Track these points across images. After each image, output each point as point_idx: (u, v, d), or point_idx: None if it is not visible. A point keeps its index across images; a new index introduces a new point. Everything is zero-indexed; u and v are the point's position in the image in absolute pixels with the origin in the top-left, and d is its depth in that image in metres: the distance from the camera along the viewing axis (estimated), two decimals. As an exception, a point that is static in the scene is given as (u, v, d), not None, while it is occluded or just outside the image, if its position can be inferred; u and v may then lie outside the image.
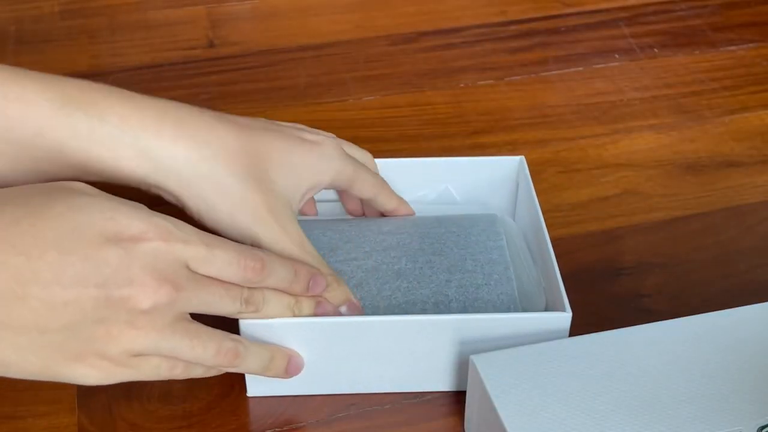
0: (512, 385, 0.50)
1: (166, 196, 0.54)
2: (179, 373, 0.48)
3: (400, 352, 0.55)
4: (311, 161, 0.57)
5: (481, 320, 0.53)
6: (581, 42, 0.90)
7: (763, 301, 0.55)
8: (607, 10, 0.94)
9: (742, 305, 0.55)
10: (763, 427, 0.48)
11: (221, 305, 0.48)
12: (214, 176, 0.53)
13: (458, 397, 0.57)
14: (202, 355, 0.48)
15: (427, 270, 0.57)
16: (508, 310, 0.56)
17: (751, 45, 0.89)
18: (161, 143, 0.52)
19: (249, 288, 0.49)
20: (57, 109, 0.51)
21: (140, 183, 0.53)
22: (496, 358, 0.51)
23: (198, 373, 0.50)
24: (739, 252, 0.68)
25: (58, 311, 0.43)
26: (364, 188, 0.61)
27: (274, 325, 0.52)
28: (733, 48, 0.89)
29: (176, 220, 0.47)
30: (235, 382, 0.56)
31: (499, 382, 0.50)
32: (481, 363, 0.51)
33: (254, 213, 0.53)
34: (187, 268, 0.46)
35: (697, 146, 0.77)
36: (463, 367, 0.55)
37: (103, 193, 0.46)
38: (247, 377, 0.55)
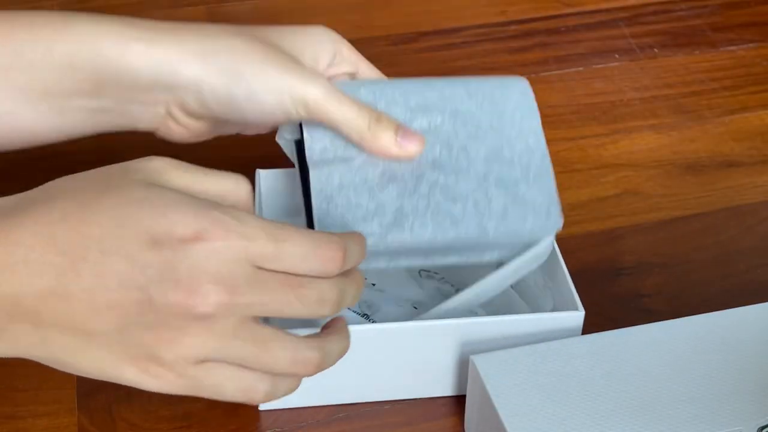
0: (512, 385, 0.50)
1: (184, 95, 0.53)
2: (252, 396, 0.43)
3: (408, 359, 0.54)
4: (315, 36, 0.58)
5: (492, 322, 0.53)
6: (581, 42, 0.89)
7: (764, 301, 0.55)
8: (607, 10, 0.94)
9: (743, 305, 0.55)
10: (763, 428, 0.48)
11: (292, 310, 0.42)
12: (232, 47, 0.53)
13: (458, 398, 0.57)
14: (273, 366, 0.43)
15: (463, 160, 0.55)
16: (547, 210, 0.55)
17: (751, 45, 0.89)
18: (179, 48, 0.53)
19: (327, 281, 0.43)
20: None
21: (156, 82, 0.53)
22: (496, 359, 0.51)
23: (283, 390, 0.44)
24: (739, 252, 0.68)
25: (102, 314, 0.40)
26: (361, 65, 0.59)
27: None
28: (733, 48, 0.89)
29: (240, 212, 0.42)
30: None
31: (499, 382, 0.50)
32: (481, 363, 0.51)
33: (284, 64, 0.53)
34: (253, 266, 0.41)
35: (697, 146, 0.77)
36: (462, 370, 0.55)
37: (167, 187, 0.42)
38: None
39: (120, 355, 0.41)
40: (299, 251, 0.42)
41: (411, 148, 0.54)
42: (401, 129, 0.54)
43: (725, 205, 0.72)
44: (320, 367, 0.44)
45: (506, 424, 0.48)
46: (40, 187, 0.43)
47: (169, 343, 0.41)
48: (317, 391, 0.55)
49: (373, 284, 0.62)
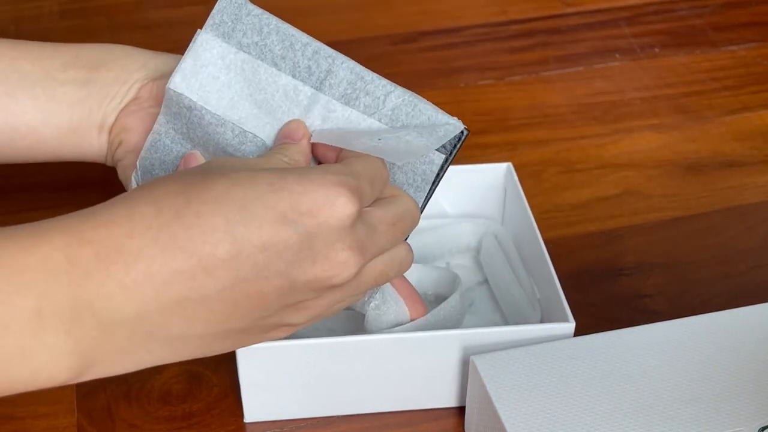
0: (512, 386, 0.50)
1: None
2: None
3: (399, 370, 0.54)
4: None
5: (484, 333, 0.53)
6: (582, 42, 0.89)
7: (765, 302, 0.55)
8: (608, 10, 0.94)
9: (743, 306, 0.55)
10: (764, 428, 0.48)
11: (394, 243, 0.44)
12: None
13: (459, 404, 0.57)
14: (387, 279, 0.45)
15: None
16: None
17: (751, 45, 0.89)
18: None
19: (408, 208, 0.45)
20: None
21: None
22: (497, 359, 0.51)
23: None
24: (740, 252, 0.68)
25: (240, 306, 0.39)
26: None
27: (272, 348, 0.52)
28: (733, 48, 0.89)
29: (347, 167, 0.42)
30: (235, 383, 0.56)
31: (499, 383, 0.50)
32: (481, 364, 0.51)
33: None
34: (362, 216, 0.42)
35: (697, 146, 0.77)
36: (465, 380, 0.55)
37: (260, 165, 0.42)
38: (244, 403, 0.55)
39: (257, 334, 0.41)
40: (377, 180, 0.44)
41: None
42: None
43: (726, 205, 0.72)
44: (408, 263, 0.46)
45: (506, 425, 0.48)
46: (116, 198, 0.40)
47: (304, 310, 0.41)
48: (317, 402, 0.55)
49: None
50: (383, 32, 0.90)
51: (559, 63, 0.87)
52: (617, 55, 0.88)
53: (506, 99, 0.82)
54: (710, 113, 0.81)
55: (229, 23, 0.49)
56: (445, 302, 0.54)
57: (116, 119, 0.53)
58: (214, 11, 0.49)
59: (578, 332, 0.53)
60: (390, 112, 0.48)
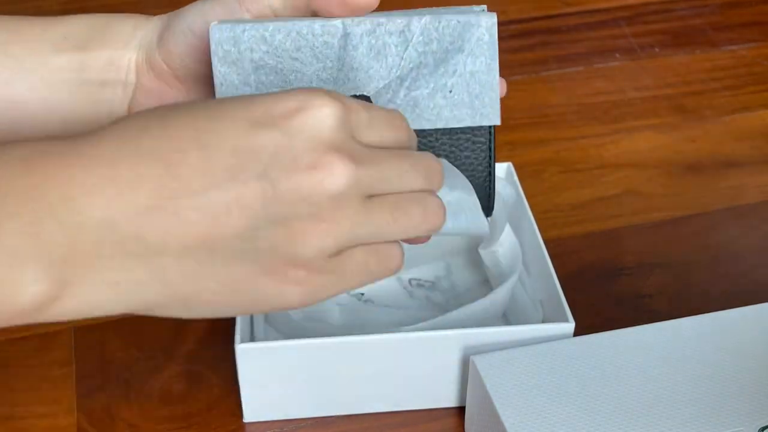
0: (513, 386, 0.50)
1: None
2: (394, 264, 0.39)
3: (399, 370, 0.54)
4: None
5: (484, 333, 0.53)
6: (582, 41, 0.89)
7: (764, 302, 0.55)
8: (608, 10, 0.94)
9: (743, 305, 0.55)
10: (764, 428, 0.48)
11: (407, 180, 0.39)
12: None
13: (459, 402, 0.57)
14: (409, 227, 0.38)
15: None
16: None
17: (751, 44, 0.89)
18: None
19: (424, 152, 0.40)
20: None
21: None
22: (497, 359, 0.51)
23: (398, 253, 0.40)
24: (740, 252, 0.68)
25: (221, 219, 0.35)
26: None
27: (273, 347, 0.52)
28: (733, 47, 0.89)
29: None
30: (235, 383, 0.56)
31: (499, 383, 0.50)
32: (481, 363, 0.51)
33: None
34: (358, 137, 0.38)
35: (697, 146, 0.77)
36: (465, 380, 0.55)
37: None
38: (244, 403, 0.55)
39: (253, 266, 0.36)
40: (386, 117, 0.39)
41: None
42: None
43: (726, 205, 0.72)
44: (444, 211, 0.40)
45: (506, 425, 0.48)
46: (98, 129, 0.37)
47: (304, 236, 0.36)
48: (317, 402, 0.55)
49: (362, 294, 0.61)
50: (383, 32, 0.90)
51: (559, 63, 0.87)
52: (617, 55, 0.88)
53: (506, 99, 0.81)
54: (710, 113, 0.81)
55: (233, 50, 0.48)
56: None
57: (128, 110, 0.54)
58: (213, 47, 0.46)
59: (578, 332, 0.53)
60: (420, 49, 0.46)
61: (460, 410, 0.56)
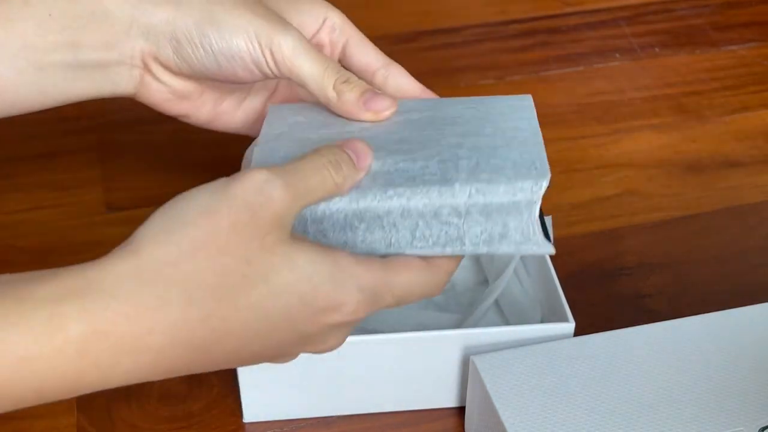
0: (513, 386, 0.50)
1: (159, 41, 0.51)
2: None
3: (399, 370, 0.54)
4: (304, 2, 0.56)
5: (484, 333, 0.53)
6: (582, 41, 0.89)
7: (765, 302, 0.55)
8: (608, 10, 0.94)
9: (744, 305, 0.55)
10: (764, 428, 0.48)
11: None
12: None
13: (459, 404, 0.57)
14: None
15: (433, 133, 0.49)
16: (530, 167, 0.46)
17: (752, 44, 0.89)
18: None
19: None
20: None
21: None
22: (497, 359, 0.51)
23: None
24: (740, 252, 0.68)
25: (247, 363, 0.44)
26: (369, 49, 0.57)
27: None
28: (734, 47, 0.89)
29: (375, 273, 0.44)
30: (235, 383, 0.56)
31: (499, 383, 0.50)
32: (481, 363, 0.51)
33: (257, 10, 0.51)
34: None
35: (698, 146, 0.77)
36: (465, 380, 0.55)
37: (301, 250, 0.42)
38: (244, 403, 0.55)
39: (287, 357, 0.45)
40: (414, 297, 0.46)
41: (379, 105, 0.51)
42: (369, 90, 0.52)
43: (726, 205, 0.71)
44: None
45: (506, 425, 0.48)
46: (167, 247, 0.39)
47: (315, 348, 0.45)
48: (317, 402, 0.55)
49: None
50: (383, 32, 0.90)
51: (559, 63, 0.86)
52: (617, 55, 0.87)
53: (506, 99, 0.82)
54: (710, 113, 0.81)
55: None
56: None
57: (135, 92, 0.54)
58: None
59: (578, 332, 0.53)
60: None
61: (460, 410, 0.56)
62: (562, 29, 0.91)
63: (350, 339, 0.52)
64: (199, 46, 0.51)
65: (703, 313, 0.54)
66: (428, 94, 0.55)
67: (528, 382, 0.50)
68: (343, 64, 0.56)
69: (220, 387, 0.57)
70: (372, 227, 0.46)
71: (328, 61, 0.51)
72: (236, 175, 0.41)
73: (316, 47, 0.52)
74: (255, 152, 0.48)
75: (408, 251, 0.46)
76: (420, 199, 0.45)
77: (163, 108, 0.56)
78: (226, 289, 0.39)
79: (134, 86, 0.54)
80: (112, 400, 0.56)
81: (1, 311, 0.37)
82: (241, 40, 0.50)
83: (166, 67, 0.53)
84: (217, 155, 0.73)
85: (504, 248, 0.46)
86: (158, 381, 0.55)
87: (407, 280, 0.45)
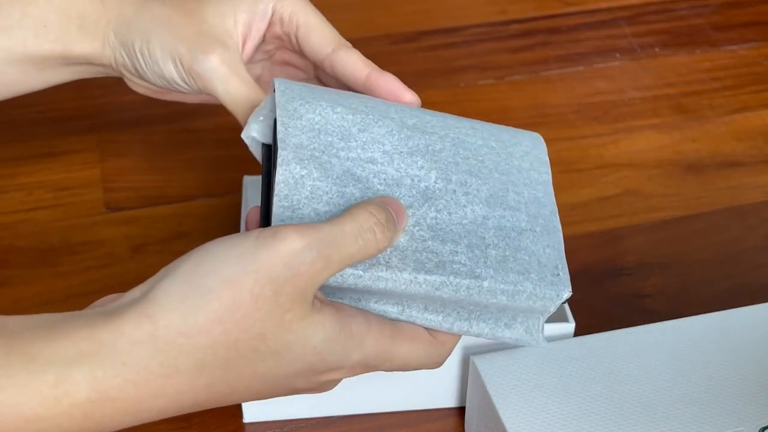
0: (513, 386, 0.50)
1: (123, 56, 0.54)
2: None
3: (399, 371, 0.54)
4: None
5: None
6: (582, 41, 0.89)
7: (765, 302, 0.55)
8: (608, 10, 0.94)
9: (744, 305, 0.55)
10: (765, 428, 0.48)
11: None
12: (152, 10, 0.53)
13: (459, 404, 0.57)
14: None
15: (461, 196, 0.47)
16: (555, 268, 0.48)
17: (752, 44, 0.89)
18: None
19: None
20: None
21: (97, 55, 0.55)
22: (497, 359, 0.51)
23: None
24: (740, 252, 0.68)
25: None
26: (315, 37, 0.53)
27: None
28: (734, 47, 0.89)
29: (378, 340, 0.44)
30: (235, 382, 0.56)
31: (499, 383, 0.50)
32: (481, 364, 0.51)
33: (181, 30, 0.52)
34: None
35: (698, 146, 0.77)
36: (465, 380, 0.55)
37: (315, 322, 0.41)
38: (243, 403, 0.55)
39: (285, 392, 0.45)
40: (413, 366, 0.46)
41: None
42: None
43: (726, 205, 0.71)
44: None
45: (506, 425, 0.48)
46: (159, 334, 0.39)
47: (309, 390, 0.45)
48: (317, 402, 0.55)
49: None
50: (383, 32, 0.90)
51: (559, 63, 0.86)
52: (617, 55, 0.87)
53: (506, 99, 0.82)
54: (711, 113, 0.81)
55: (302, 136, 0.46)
56: None
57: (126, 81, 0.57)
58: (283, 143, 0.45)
59: (578, 332, 0.53)
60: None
61: (460, 410, 0.56)
62: (562, 29, 0.91)
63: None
64: (146, 68, 0.53)
65: (703, 313, 0.54)
66: (376, 76, 0.52)
67: (528, 382, 0.50)
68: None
69: (220, 387, 0.57)
70: (391, 299, 0.45)
71: (249, 85, 0.51)
72: (268, 239, 0.39)
73: (240, 67, 0.52)
74: (277, 192, 0.44)
75: (418, 321, 0.46)
76: (447, 291, 0.45)
77: (153, 97, 0.58)
78: (236, 361, 0.40)
79: (122, 80, 0.57)
80: (112, 400, 0.56)
81: (8, 371, 0.37)
82: (170, 65, 0.52)
83: (137, 76, 0.55)
84: (218, 155, 0.73)
85: (506, 336, 0.48)
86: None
87: (410, 351, 0.45)
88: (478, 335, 0.47)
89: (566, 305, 0.54)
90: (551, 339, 0.53)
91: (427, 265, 0.45)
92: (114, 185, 0.71)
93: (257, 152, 0.49)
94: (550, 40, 0.90)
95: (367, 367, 0.44)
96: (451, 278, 0.45)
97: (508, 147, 0.51)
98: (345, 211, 0.43)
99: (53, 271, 0.64)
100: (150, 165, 0.73)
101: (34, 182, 0.71)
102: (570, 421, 0.48)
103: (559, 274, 0.48)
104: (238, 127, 0.50)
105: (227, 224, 0.68)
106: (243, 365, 0.40)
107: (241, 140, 0.59)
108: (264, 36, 0.55)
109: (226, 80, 0.51)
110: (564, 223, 0.70)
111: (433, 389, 0.55)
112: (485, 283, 0.45)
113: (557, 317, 0.55)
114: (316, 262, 0.40)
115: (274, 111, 0.47)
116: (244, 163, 0.60)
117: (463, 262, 0.45)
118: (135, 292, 0.40)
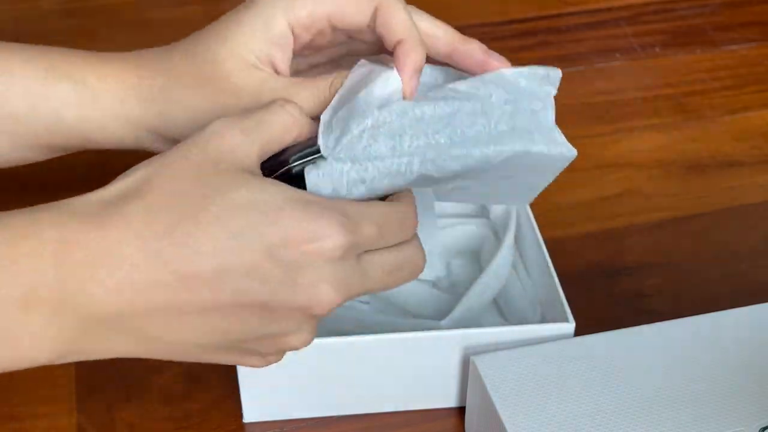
0: (513, 386, 0.50)
1: (153, 144, 0.53)
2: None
3: (399, 370, 0.54)
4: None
5: (484, 333, 0.53)
6: (582, 41, 0.89)
7: (765, 302, 0.55)
8: (609, 10, 0.94)
9: (744, 305, 0.55)
10: (764, 428, 0.48)
11: (389, 289, 0.45)
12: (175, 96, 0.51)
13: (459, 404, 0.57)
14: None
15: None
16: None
17: (752, 44, 0.89)
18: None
19: (413, 250, 0.44)
20: (43, 79, 0.50)
21: (126, 142, 0.53)
22: (497, 359, 0.51)
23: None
24: (740, 252, 0.68)
25: (218, 330, 0.40)
26: (393, 18, 0.52)
27: None
28: (734, 47, 0.89)
29: (360, 208, 0.42)
30: (235, 383, 0.56)
31: (499, 383, 0.50)
32: (481, 364, 0.51)
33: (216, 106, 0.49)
34: (357, 256, 0.42)
35: (698, 146, 0.77)
36: (465, 380, 0.55)
37: (267, 181, 0.41)
38: (243, 403, 0.55)
39: (228, 355, 0.43)
40: (398, 225, 0.43)
41: None
42: None
43: (727, 205, 0.71)
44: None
45: (506, 425, 0.48)
46: (126, 181, 0.41)
47: (282, 344, 0.42)
48: (317, 402, 0.55)
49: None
50: (383, 32, 0.90)
51: (560, 62, 0.86)
52: (618, 55, 0.87)
53: (506, 99, 0.82)
54: (711, 113, 0.81)
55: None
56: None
57: None
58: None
59: (578, 332, 0.53)
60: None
61: (460, 410, 0.56)
62: (562, 29, 0.91)
63: (350, 339, 0.52)
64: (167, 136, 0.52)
65: (703, 313, 0.54)
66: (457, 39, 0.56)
67: (528, 382, 0.50)
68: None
69: (220, 387, 0.57)
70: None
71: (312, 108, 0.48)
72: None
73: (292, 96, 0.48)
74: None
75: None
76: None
77: None
78: (185, 206, 0.39)
79: None
80: (113, 399, 0.56)
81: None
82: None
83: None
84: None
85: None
86: (158, 381, 0.55)
87: (388, 207, 0.43)
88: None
89: (566, 305, 0.54)
90: (551, 339, 0.53)
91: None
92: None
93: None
94: (550, 40, 0.90)
95: (348, 232, 0.40)
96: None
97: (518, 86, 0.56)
98: None
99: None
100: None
101: (34, 182, 0.71)
102: (570, 421, 0.48)
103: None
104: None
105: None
106: (193, 210, 0.39)
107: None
108: (300, 48, 0.51)
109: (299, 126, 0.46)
110: (564, 223, 0.70)
111: (433, 389, 0.55)
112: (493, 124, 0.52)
113: (557, 317, 0.55)
114: (240, 132, 0.41)
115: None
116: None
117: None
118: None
